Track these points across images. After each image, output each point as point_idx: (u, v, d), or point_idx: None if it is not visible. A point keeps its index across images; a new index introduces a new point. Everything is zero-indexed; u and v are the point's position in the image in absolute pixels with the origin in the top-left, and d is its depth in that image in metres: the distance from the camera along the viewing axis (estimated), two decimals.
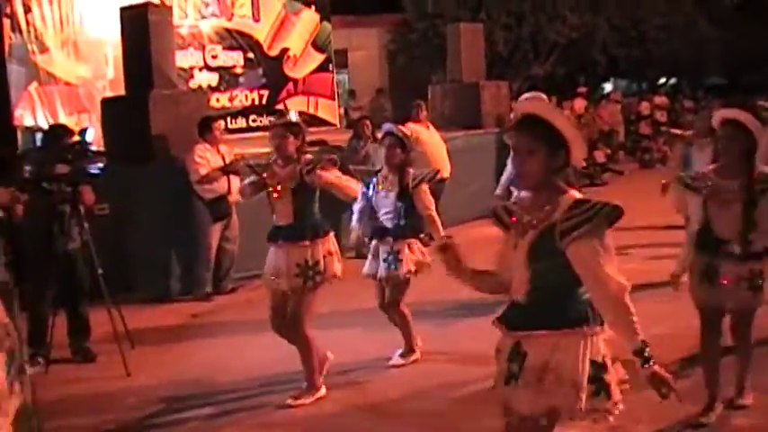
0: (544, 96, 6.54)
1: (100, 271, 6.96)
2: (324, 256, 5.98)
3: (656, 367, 3.26)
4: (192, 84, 15.49)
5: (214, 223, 9.21)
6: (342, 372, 6.44)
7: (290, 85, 17.63)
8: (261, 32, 17.06)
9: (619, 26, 26.85)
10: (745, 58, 32.85)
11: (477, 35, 15.29)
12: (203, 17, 16.15)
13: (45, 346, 6.96)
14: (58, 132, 7.81)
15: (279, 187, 6.01)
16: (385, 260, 6.67)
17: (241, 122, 16.47)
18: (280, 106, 17.15)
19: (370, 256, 6.87)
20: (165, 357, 7.25)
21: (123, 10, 10.26)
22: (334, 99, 18.72)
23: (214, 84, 16.21)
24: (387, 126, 6.96)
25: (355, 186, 6.39)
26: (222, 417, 5.84)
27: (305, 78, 17.90)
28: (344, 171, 6.52)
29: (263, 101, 17.08)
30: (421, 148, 11.21)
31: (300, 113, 17.42)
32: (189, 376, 6.66)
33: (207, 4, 16.20)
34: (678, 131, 9.49)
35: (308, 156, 6.12)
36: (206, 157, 9.01)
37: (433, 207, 6.79)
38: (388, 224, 6.73)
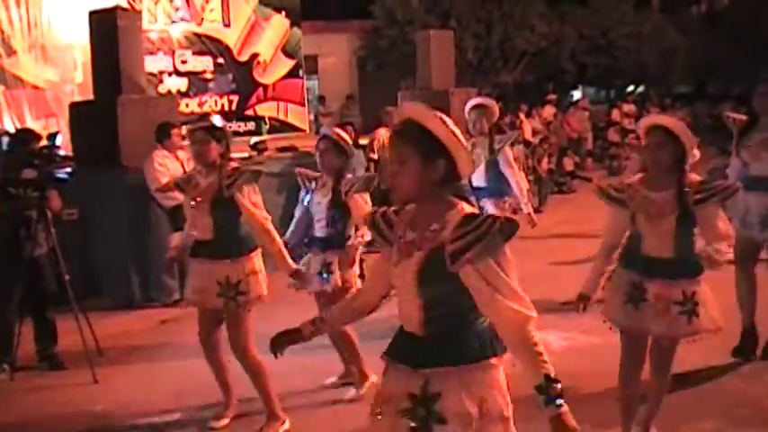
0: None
1: (67, 277, 6.90)
2: (248, 275, 5.46)
3: (564, 409, 2.84)
4: (162, 89, 15.45)
5: (175, 232, 9.07)
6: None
7: (260, 91, 17.62)
8: (231, 38, 17.03)
9: (587, 35, 27.14)
10: (712, 67, 33.25)
11: (446, 42, 15.30)
12: (173, 22, 16.10)
13: (11, 353, 6.88)
14: (25, 137, 7.74)
15: (198, 198, 5.51)
16: (319, 273, 6.08)
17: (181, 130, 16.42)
18: (249, 111, 17.13)
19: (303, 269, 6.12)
20: (134, 364, 7.21)
21: (92, 14, 10.18)
22: (304, 105, 18.72)
23: (183, 89, 16.17)
24: (323, 130, 6.56)
25: (263, 220, 5.50)
26: (192, 423, 5.81)
27: (275, 84, 17.88)
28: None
29: (233, 106, 17.05)
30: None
31: (270, 119, 17.56)
32: (158, 383, 6.62)
33: (177, 9, 16.16)
34: (637, 141, 9.27)
35: (233, 165, 5.56)
36: (165, 165, 8.86)
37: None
38: (321, 233, 6.20)
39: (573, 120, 20.71)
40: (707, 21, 35.70)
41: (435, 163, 3.02)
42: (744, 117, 6.95)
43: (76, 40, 13.85)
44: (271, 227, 5.49)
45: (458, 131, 3.06)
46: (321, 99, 24.19)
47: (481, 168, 7.72)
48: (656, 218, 4.67)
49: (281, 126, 17.72)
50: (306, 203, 6.34)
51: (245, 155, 11.41)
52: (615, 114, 22.73)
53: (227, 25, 16.97)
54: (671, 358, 4.85)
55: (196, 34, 16.50)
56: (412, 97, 15.24)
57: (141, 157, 9.16)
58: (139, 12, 12.47)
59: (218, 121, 5.65)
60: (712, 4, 38.95)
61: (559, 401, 2.83)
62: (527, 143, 15.18)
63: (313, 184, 6.31)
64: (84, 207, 8.50)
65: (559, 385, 2.85)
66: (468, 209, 3.07)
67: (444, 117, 3.07)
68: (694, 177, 4.74)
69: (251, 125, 17.34)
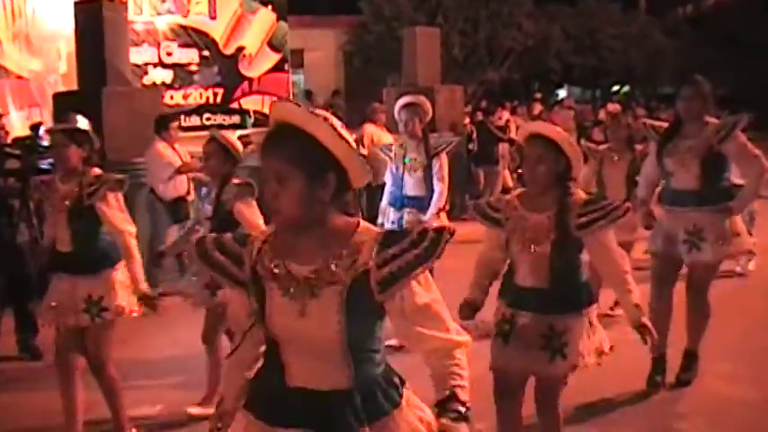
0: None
1: None
2: (111, 291, 5.01)
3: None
4: (146, 80, 15.40)
5: (174, 224, 9.10)
6: None
7: (245, 84, 17.60)
8: (217, 30, 16.99)
9: (574, 34, 27.18)
10: (698, 69, 33.29)
11: (433, 39, 15.31)
12: (159, 14, 16.05)
13: None
14: None
15: (56, 206, 5.03)
16: (207, 286, 5.62)
17: (195, 120, 16.40)
18: (234, 105, 17.09)
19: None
20: (115, 355, 7.17)
21: (77, 4, 10.14)
22: (289, 99, 18.68)
23: (168, 81, 16.13)
24: (211, 132, 6.00)
25: (124, 234, 5.02)
26: (177, 415, 5.77)
27: (260, 78, 17.86)
28: None
29: (218, 99, 17.03)
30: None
31: (255, 113, 17.52)
32: (140, 374, 6.59)
33: (163, 1, 16.13)
34: (591, 145, 8.58)
35: (96, 170, 5.06)
36: (168, 155, 8.95)
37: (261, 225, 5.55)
38: None
39: (557, 119, 20.68)
40: (693, 22, 35.81)
41: (325, 179, 2.47)
42: (663, 124, 6.36)
43: (61, 31, 13.81)
44: (131, 242, 5.01)
45: (346, 134, 2.48)
46: (308, 93, 24.15)
47: (418, 175, 7.15)
48: (530, 242, 4.02)
49: (265, 120, 17.59)
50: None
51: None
52: (602, 114, 22.78)
53: (214, 18, 16.94)
54: (553, 399, 4.25)
55: (182, 26, 16.46)
56: (397, 93, 15.27)
57: (126, 149, 9.12)
58: (125, 3, 12.40)
59: (82, 122, 5.06)
60: (699, 6, 39.10)
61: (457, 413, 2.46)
62: (512, 141, 15.19)
63: (204, 191, 5.86)
64: None
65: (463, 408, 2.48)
66: (370, 226, 2.58)
67: (329, 117, 2.49)
68: (579, 196, 4.06)
69: (235, 118, 17.32)
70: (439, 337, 2.51)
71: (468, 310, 4.12)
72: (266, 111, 17.77)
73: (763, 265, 9.64)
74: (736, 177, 6.15)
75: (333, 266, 2.47)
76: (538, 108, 20.36)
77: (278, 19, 18.19)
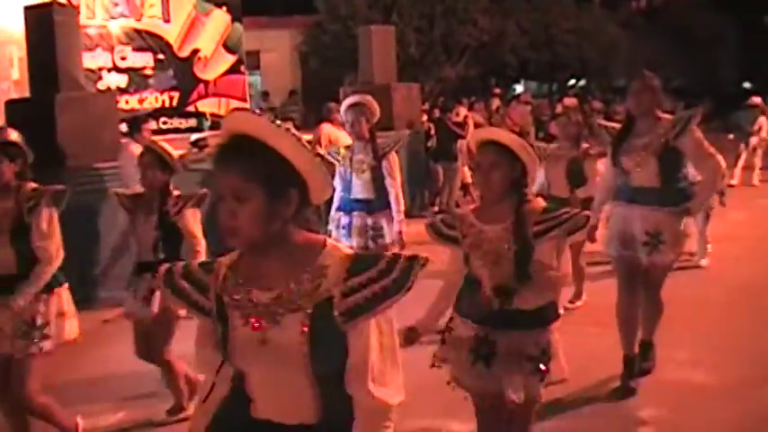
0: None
1: None
2: (55, 316, 4.76)
3: None
4: (101, 85, 15.25)
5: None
6: None
7: (201, 87, 17.48)
8: (171, 33, 16.86)
9: (529, 29, 27.34)
10: (652, 61, 33.70)
11: (388, 37, 15.33)
12: (112, 17, 15.90)
13: None
14: None
15: None
16: (144, 298, 5.38)
17: (151, 125, 16.21)
18: (190, 108, 16.99)
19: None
20: (77, 363, 7.10)
21: (27, 9, 10.01)
22: (246, 101, 18.59)
23: (123, 85, 15.98)
24: (145, 143, 5.72)
25: (45, 254, 4.69)
26: (135, 423, 5.73)
27: (216, 80, 17.75)
28: None
29: (174, 102, 16.90)
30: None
31: (212, 115, 17.42)
32: (101, 382, 6.54)
33: (116, 4, 15.96)
34: (538, 143, 8.55)
35: (32, 185, 4.83)
36: None
37: (200, 237, 5.42)
38: (149, 257, 5.41)
39: (515, 114, 20.83)
40: (647, 15, 36.20)
41: (288, 196, 2.29)
42: (615, 125, 6.23)
43: (12, 36, 13.61)
44: (48, 267, 4.69)
45: (306, 145, 2.32)
46: (264, 95, 24.08)
47: (366, 177, 6.93)
48: (491, 257, 3.78)
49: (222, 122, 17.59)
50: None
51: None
52: (559, 108, 22.94)
53: (168, 21, 16.80)
54: (529, 419, 3.99)
55: (136, 30, 16.31)
56: (354, 92, 15.28)
57: (80, 155, 9.03)
58: (77, 7, 12.31)
59: (13, 135, 4.83)
60: (651, 0, 39.48)
61: None
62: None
63: (130, 205, 5.64)
64: None
65: None
66: (338, 247, 2.38)
67: (290, 129, 2.33)
68: (537, 204, 3.85)
69: (192, 122, 17.20)
70: (374, 398, 2.30)
71: (415, 335, 3.83)
72: (223, 113, 17.71)
73: (719, 255, 9.77)
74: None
75: (294, 291, 2.30)
76: (496, 103, 20.49)
77: (233, 20, 18.08)
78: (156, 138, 12.22)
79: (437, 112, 16.08)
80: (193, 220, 5.39)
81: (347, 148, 7.11)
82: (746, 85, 37.21)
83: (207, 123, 17.28)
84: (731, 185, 15.87)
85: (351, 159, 7.01)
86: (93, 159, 9.17)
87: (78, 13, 10.89)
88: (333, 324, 2.26)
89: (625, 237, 5.85)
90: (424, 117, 15.94)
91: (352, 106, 7.02)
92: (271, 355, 2.31)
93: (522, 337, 3.81)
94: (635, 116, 5.80)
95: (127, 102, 15.83)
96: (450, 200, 14.70)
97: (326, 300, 2.26)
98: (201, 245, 5.37)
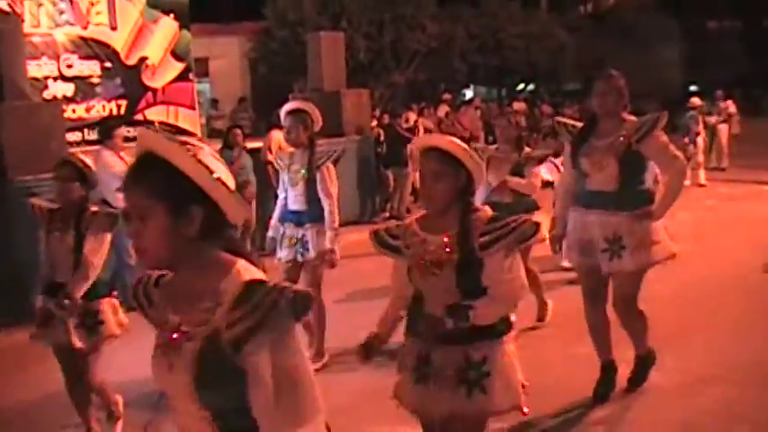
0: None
1: None
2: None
3: None
4: (47, 94, 15.06)
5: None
6: None
7: (149, 95, 17.33)
8: (118, 41, 16.70)
9: (477, 34, 27.51)
10: (599, 64, 34.09)
11: (337, 43, 15.35)
12: (57, 25, 15.70)
13: None
14: None
15: None
16: (76, 327, 5.17)
17: (123, 131, 16.04)
18: (139, 116, 16.84)
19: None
20: (28, 379, 7.02)
21: None
22: (194, 108, 18.49)
23: (70, 94, 15.78)
24: (65, 155, 5.60)
25: None
26: None
27: (164, 88, 17.61)
28: None
29: (122, 111, 16.72)
30: None
31: (161, 123, 17.29)
32: (53, 398, 6.46)
33: (61, 12, 15.77)
34: (478, 145, 8.39)
35: None
36: (116, 164, 8.76)
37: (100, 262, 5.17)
38: (63, 279, 5.20)
39: (464, 118, 20.96)
40: (594, 19, 36.61)
41: (189, 213, 2.22)
42: (577, 123, 6.04)
43: None
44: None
45: (218, 166, 2.26)
46: (214, 102, 23.96)
47: (300, 188, 6.71)
48: (433, 268, 3.59)
49: (171, 130, 17.45)
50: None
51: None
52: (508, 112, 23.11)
53: (114, 28, 16.64)
54: None
55: (82, 38, 16.13)
56: (303, 98, 15.27)
57: (26, 166, 8.92)
58: (21, 15, 12.15)
59: None
60: (599, 4, 39.93)
61: None
62: None
63: (46, 219, 5.36)
64: None
65: None
66: (247, 271, 2.26)
67: (200, 146, 2.28)
68: (484, 214, 3.63)
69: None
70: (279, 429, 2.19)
71: (370, 350, 3.74)
72: (172, 121, 17.62)
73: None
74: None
75: (193, 317, 2.24)
76: (445, 109, 20.55)
77: (180, 28, 17.95)
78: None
79: (387, 118, 16.12)
80: (95, 245, 5.17)
81: (290, 155, 6.87)
82: (692, 87, 37.76)
83: None
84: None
85: (289, 168, 6.81)
86: (40, 170, 9.03)
87: (22, 21, 10.79)
88: (223, 355, 2.16)
89: (584, 243, 5.68)
90: (374, 123, 15.97)
91: (291, 113, 6.75)
92: (173, 382, 2.26)
93: (463, 352, 3.59)
94: (598, 116, 5.61)
95: (74, 111, 15.65)
96: (402, 205, 14.75)
97: (215, 329, 2.18)
98: (89, 273, 5.12)
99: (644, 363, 6.03)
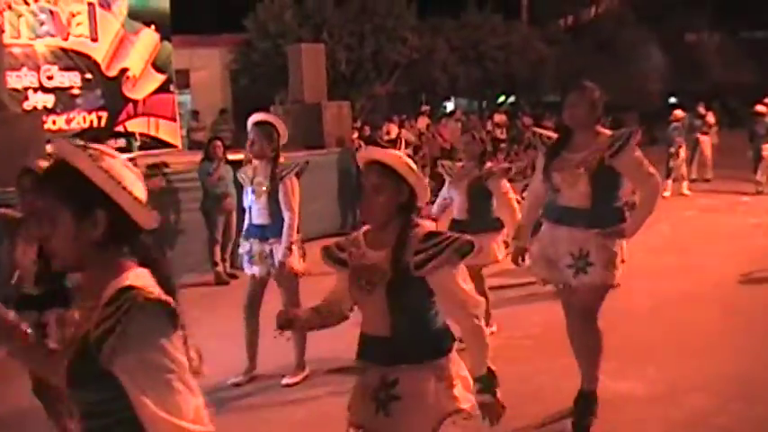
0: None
1: None
2: None
3: None
4: (27, 105, 14.99)
5: None
6: None
7: (130, 107, 17.29)
8: (99, 52, 16.67)
9: (458, 46, 27.62)
10: (578, 76, 34.29)
11: (318, 55, 15.39)
12: (38, 36, 15.65)
13: None
14: None
15: None
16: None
17: (111, 143, 16.00)
18: (119, 128, 16.81)
19: None
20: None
21: None
22: (175, 120, 18.46)
23: (50, 105, 15.72)
24: (27, 162, 5.45)
25: None
26: None
27: (145, 99, 17.58)
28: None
29: (102, 123, 16.67)
30: None
31: (141, 135, 17.26)
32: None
33: (41, 23, 15.72)
34: (444, 162, 8.10)
35: None
36: None
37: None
38: (30, 290, 5.16)
39: (445, 130, 21.05)
40: (574, 32, 36.81)
41: (93, 217, 2.27)
42: (552, 134, 5.77)
43: None
44: None
45: (121, 170, 2.32)
46: (195, 114, 23.93)
47: (262, 201, 6.62)
48: (368, 286, 3.46)
49: (152, 142, 17.42)
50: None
51: None
52: (489, 125, 23.23)
53: (95, 40, 16.60)
54: None
55: (62, 49, 16.08)
56: (284, 111, 15.30)
57: (5, 177, 8.86)
58: (1, 26, 12.11)
59: None
60: (578, 17, 40.13)
61: None
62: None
63: (11, 229, 5.28)
64: None
65: None
66: (138, 278, 2.27)
67: (104, 150, 2.33)
68: (422, 230, 3.46)
69: (121, 142, 16.98)
70: (162, 419, 2.14)
71: (290, 322, 3.62)
72: (153, 133, 17.58)
73: (644, 267, 9.95)
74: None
75: (83, 318, 2.29)
76: (425, 121, 20.61)
77: (161, 39, 17.92)
78: None
79: (368, 130, 16.15)
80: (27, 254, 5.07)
81: (253, 168, 6.73)
82: (672, 99, 38.01)
83: (136, 143, 17.11)
84: (664, 197, 16.43)
85: (252, 180, 6.70)
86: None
87: (3, 31, 10.75)
88: (90, 355, 2.18)
89: (550, 260, 5.49)
90: (355, 134, 16.00)
91: (256, 124, 6.64)
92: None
93: (420, 371, 3.43)
94: (572, 130, 5.38)
95: (54, 122, 15.59)
96: None
97: (87, 330, 2.21)
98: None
99: (586, 402, 5.63)
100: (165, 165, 11.85)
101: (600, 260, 5.29)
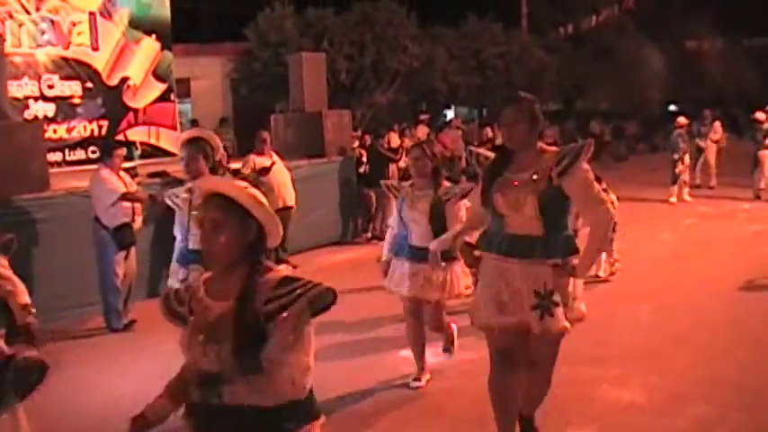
0: None
1: None
2: None
3: None
4: (28, 114, 14.99)
5: (120, 251, 8.98)
6: None
7: (131, 116, 17.29)
8: (100, 61, 16.67)
9: (458, 55, 27.63)
10: (578, 85, 34.38)
11: (319, 64, 15.39)
12: (39, 45, 15.65)
13: None
14: None
15: None
16: None
17: (80, 154, 16.00)
18: (120, 137, 16.82)
19: None
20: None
21: None
22: (176, 129, 18.45)
23: (51, 114, 15.71)
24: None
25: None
26: None
27: (146, 108, 17.58)
28: None
29: (103, 132, 16.67)
30: (265, 178, 11.26)
31: (142, 144, 17.27)
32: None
33: (42, 32, 15.72)
34: (389, 182, 7.29)
35: None
36: (112, 181, 8.85)
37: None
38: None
39: (446, 139, 21.05)
40: (574, 41, 36.85)
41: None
42: (490, 154, 5.19)
43: None
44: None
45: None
46: (194, 123, 23.93)
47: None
48: (211, 342, 2.87)
49: (152, 151, 17.41)
50: None
51: None
52: (489, 133, 23.24)
53: (96, 49, 16.61)
54: None
55: (63, 58, 16.09)
56: (285, 120, 15.32)
57: (6, 186, 8.88)
58: (2, 35, 12.11)
59: None
60: (578, 26, 40.18)
61: None
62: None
63: None
64: None
65: None
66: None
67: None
68: (274, 276, 2.94)
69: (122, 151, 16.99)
70: None
71: (141, 425, 3.06)
72: (153, 142, 17.58)
73: (646, 274, 9.95)
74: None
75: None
76: (423, 131, 20.59)
77: (162, 48, 17.92)
78: (84, 168, 12.06)
79: (369, 139, 16.16)
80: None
81: (188, 191, 5.98)
82: (672, 107, 38.06)
83: (137, 152, 17.11)
84: (670, 203, 16.91)
85: (190, 203, 5.83)
86: (20, 190, 9.02)
87: (4, 40, 10.75)
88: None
89: (503, 299, 4.65)
90: (356, 143, 16.01)
91: (188, 142, 6.16)
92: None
93: None
94: (512, 149, 4.72)
95: (55, 131, 15.59)
96: (384, 226, 14.74)
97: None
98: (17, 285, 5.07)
99: (530, 427, 5.18)
100: (166, 173, 11.85)
101: (561, 299, 4.59)
